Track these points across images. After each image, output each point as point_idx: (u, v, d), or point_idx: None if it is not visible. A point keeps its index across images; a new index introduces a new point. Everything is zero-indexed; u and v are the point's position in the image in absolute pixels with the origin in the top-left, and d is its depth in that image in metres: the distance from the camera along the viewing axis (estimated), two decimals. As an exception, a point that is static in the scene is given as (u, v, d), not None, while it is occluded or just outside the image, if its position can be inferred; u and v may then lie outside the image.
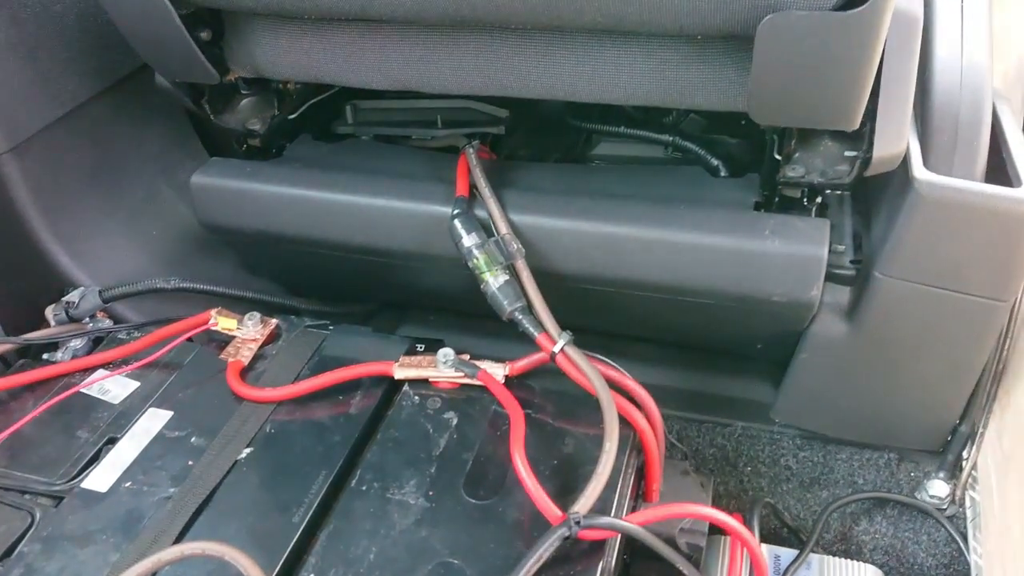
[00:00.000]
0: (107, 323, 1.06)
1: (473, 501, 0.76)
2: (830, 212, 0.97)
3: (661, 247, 0.88)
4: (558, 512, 0.70)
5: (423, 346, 0.94)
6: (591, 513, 0.70)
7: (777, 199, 0.92)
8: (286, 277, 1.21)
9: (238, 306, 1.00)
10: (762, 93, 0.73)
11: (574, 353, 0.84)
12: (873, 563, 0.97)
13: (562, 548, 0.70)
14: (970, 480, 0.96)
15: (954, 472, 0.98)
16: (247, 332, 0.95)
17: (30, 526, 0.77)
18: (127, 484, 0.80)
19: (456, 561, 0.71)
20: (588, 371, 0.82)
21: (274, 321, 0.98)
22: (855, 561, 0.88)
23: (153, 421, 0.87)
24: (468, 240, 0.90)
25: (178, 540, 0.73)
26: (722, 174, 1.00)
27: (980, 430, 0.95)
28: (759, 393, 1.06)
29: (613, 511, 0.75)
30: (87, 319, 1.06)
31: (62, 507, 0.78)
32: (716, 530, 0.85)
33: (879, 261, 0.87)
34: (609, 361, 0.86)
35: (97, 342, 1.02)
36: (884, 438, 0.99)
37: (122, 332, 1.02)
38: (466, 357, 0.89)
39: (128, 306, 1.09)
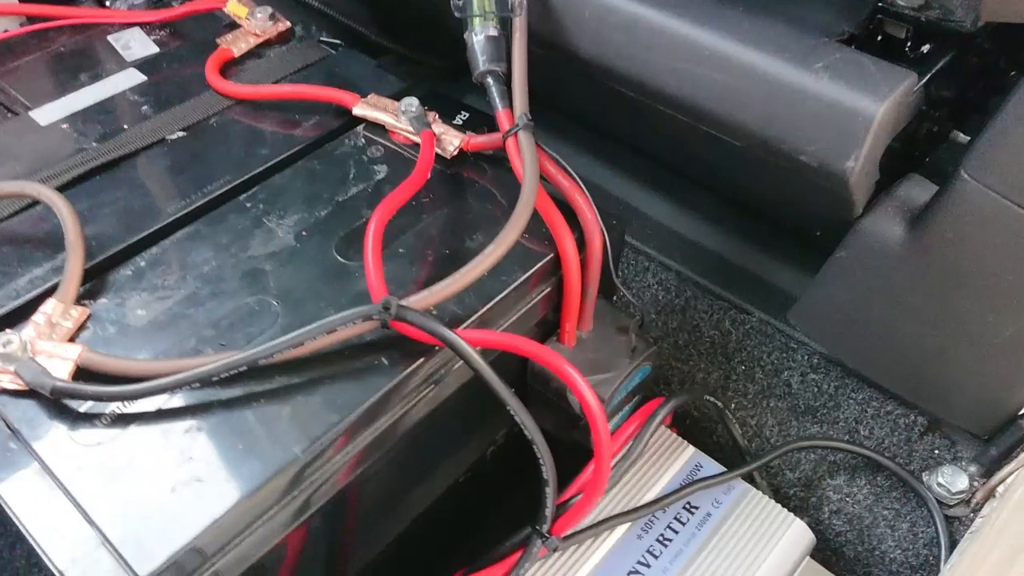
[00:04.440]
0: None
1: (338, 258, 0.67)
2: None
3: (689, 50, 0.68)
4: (384, 294, 0.60)
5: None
6: (419, 311, 0.58)
7: (880, 38, 0.67)
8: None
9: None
10: None
11: (525, 141, 0.69)
12: (831, 526, 0.78)
13: (388, 338, 0.60)
14: (1002, 488, 0.72)
15: (991, 471, 0.74)
16: (252, 24, 0.89)
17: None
18: (64, 126, 0.79)
19: (276, 303, 0.63)
20: (527, 163, 0.67)
21: (287, 24, 0.90)
22: (785, 510, 0.70)
23: (127, 80, 0.85)
24: (469, -21, 0.74)
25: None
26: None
27: (1052, 433, 0.70)
28: (796, 287, 0.84)
29: (471, 324, 0.63)
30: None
31: (7, 124, 0.79)
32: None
33: (969, 157, 0.61)
34: (569, 169, 0.70)
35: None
36: (917, 395, 0.76)
37: (175, -1, 1.00)
38: (433, 116, 0.77)
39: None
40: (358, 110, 0.78)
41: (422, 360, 0.60)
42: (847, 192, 0.65)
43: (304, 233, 0.69)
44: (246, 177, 0.74)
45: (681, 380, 0.86)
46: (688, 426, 0.85)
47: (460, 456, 0.74)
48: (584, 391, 0.58)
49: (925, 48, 0.65)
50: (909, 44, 0.65)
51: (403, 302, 0.59)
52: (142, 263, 0.67)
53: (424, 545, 0.76)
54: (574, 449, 0.70)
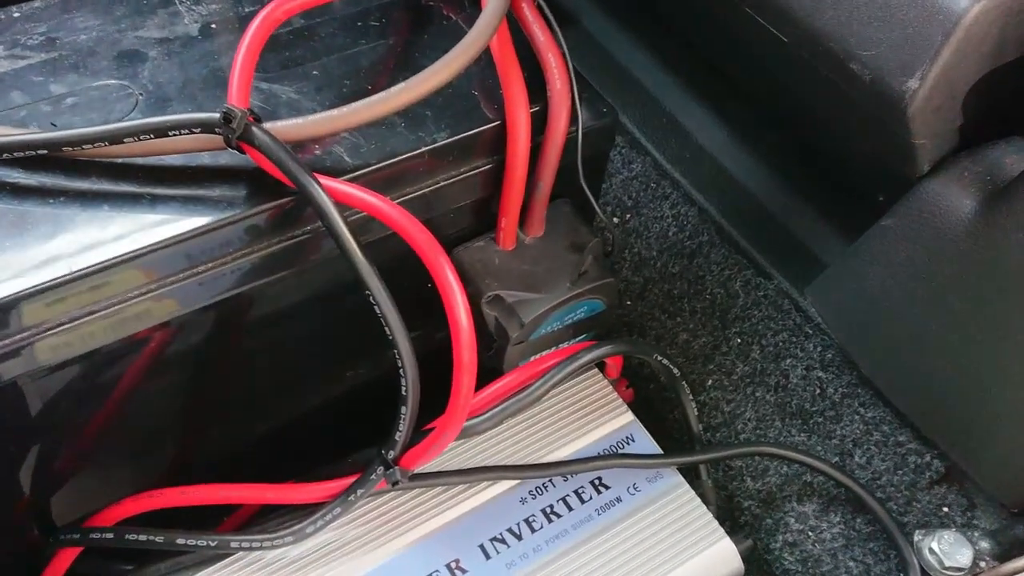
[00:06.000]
0: None
1: (240, 62, 0.53)
2: None
3: None
4: (243, 105, 0.46)
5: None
6: (273, 136, 0.44)
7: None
8: None
9: None
10: None
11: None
12: (779, 560, 0.61)
13: (247, 169, 0.47)
14: (1016, 578, 0.54)
15: (1008, 554, 0.55)
16: None
17: None
18: None
19: (139, 96, 0.51)
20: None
21: None
22: (715, 522, 0.54)
23: None
24: None
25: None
26: None
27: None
28: (835, 257, 0.65)
29: (359, 180, 0.49)
30: None
31: None
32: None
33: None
34: (554, 24, 0.54)
35: None
36: (940, 433, 0.57)
37: None
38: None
39: None
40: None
41: (274, 204, 0.47)
42: (905, 128, 0.46)
43: (213, 26, 0.56)
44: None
45: (659, 336, 0.70)
46: (650, 391, 0.69)
47: (346, 346, 0.61)
48: (453, 294, 0.44)
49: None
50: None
51: (267, 125, 0.46)
52: (16, 14, 0.55)
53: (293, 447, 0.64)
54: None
